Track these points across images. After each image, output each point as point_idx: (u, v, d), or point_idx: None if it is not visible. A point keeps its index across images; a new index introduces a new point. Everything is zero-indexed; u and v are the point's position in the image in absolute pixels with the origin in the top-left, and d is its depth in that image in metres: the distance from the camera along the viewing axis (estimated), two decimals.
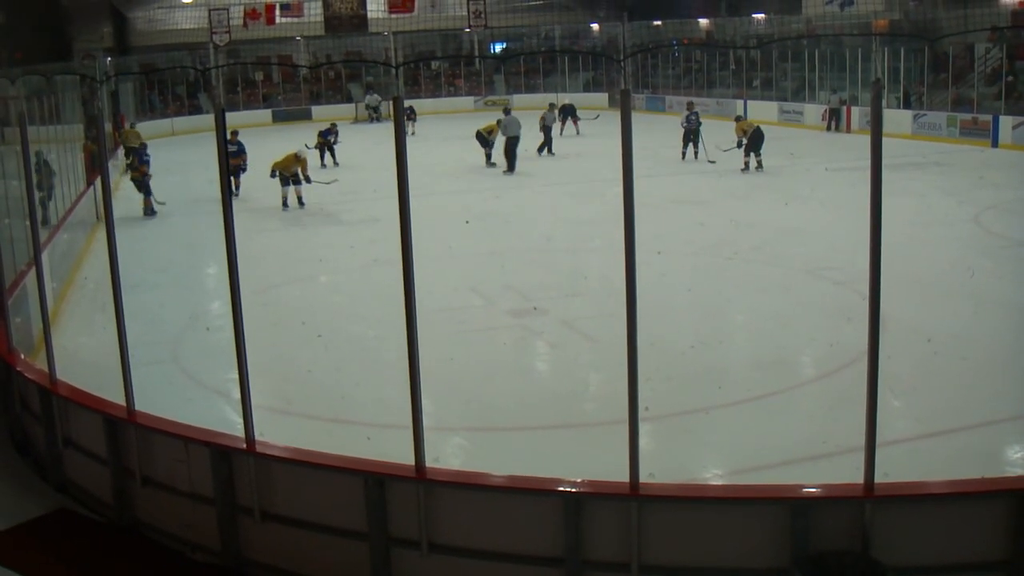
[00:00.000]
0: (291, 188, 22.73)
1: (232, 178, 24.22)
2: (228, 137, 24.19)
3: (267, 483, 7.28)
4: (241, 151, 25.10)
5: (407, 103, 40.27)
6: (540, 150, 30.80)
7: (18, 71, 15.77)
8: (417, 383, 6.56)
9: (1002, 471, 8.17)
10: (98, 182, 22.85)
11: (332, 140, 30.95)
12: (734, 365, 11.35)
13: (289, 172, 22.66)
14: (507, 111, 29.88)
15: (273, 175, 22.91)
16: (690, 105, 30.49)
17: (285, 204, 22.76)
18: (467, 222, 19.53)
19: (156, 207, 23.12)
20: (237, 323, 7.16)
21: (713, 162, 26.97)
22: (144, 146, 26.57)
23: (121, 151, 30.77)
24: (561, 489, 6.51)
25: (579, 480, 6.63)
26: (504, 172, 27.34)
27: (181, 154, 34.01)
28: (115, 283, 8.00)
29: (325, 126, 31.97)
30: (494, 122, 29.09)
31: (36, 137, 13.69)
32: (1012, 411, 9.42)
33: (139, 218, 22.23)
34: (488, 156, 28.89)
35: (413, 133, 34.97)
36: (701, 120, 28.57)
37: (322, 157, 30.31)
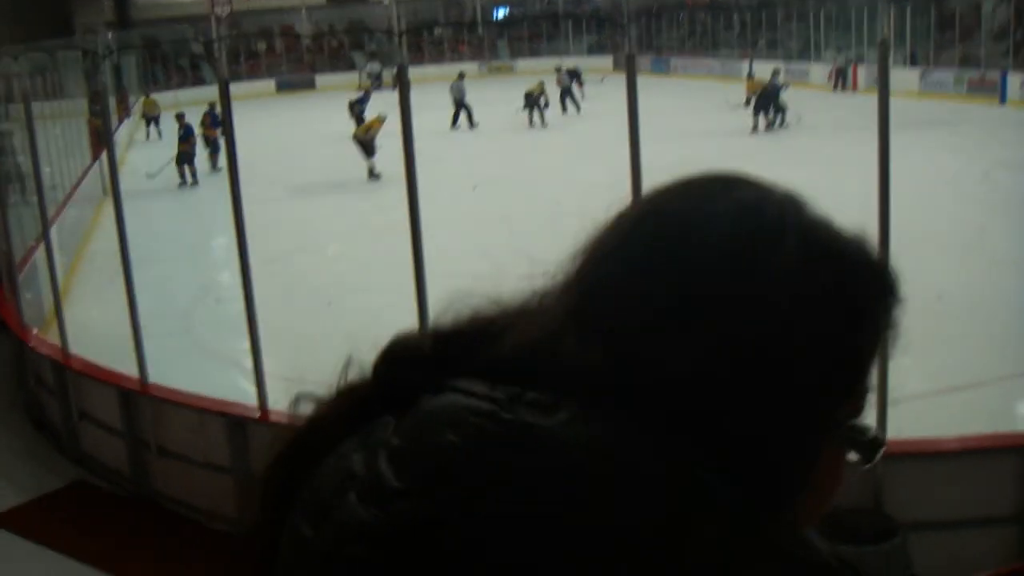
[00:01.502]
0: (375, 158, 22.10)
1: (186, 166, 23.64)
2: (177, 121, 24.25)
3: None
4: (189, 134, 24.00)
5: (377, 65, 40.18)
6: (564, 110, 30.92)
7: (21, 48, 15.73)
8: None
9: (1012, 427, 8.20)
10: (103, 156, 22.87)
11: (363, 109, 30.53)
12: None
13: (372, 137, 22.10)
14: (558, 69, 32.27)
15: (365, 145, 22.35)
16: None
17: (372, 174, 22.17)
18: (475, 188, 19.43)
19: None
20: (248, 293, 7.20)
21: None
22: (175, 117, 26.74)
23: (124, 124, 30.91)
24: None
25: None
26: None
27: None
28: (124, 256, 8.04)
29: (355, 95, 31.49)
30: (539, 83, 30.15)
31: (40, 113, 13.66)
32: (1022, 367, 9.44)
33: (146, 192, 22.16)
34: (543, 117, 29.93)
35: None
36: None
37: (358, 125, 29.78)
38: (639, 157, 5.91)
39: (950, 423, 8.08)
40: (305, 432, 0.87)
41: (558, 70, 34.31)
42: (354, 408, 0.85)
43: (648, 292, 0.80)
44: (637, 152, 5.87)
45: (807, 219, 0.86)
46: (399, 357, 0.87)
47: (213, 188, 20.66)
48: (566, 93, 31.56)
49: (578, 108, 30.83)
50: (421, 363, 0.85)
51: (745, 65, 38.16)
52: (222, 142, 23.71)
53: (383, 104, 31.55)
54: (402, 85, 6.46)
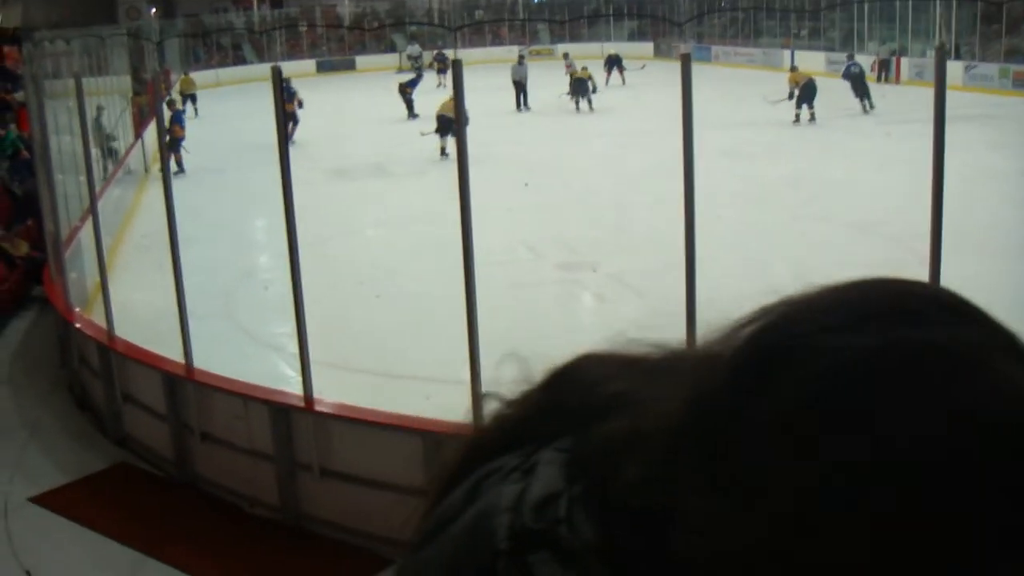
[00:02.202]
0: (449, 137, 21.57)
1: (172, 153, 23.23)
2: (168, 107, 24.06)
3: (326, 440, 7.38)
4: (178, 120, 23.35)
5: (441, 52, 40.15)
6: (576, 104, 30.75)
7: (74, 31, 15.85)
8: (476, 344, 6.61)
9: None
10: (146, 135, 23.02)
11: (413, 91, 30.44)
12: None
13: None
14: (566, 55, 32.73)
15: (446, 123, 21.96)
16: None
17: (444, 152, 22.10)
18: (527, 184, 19.01)
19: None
20: (296, 282, 7.23)
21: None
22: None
23: (165, 102, 31.12)
24: None
25: None
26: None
27: (227, 105, 34.08)
28: (172, 239, 8.09)
29: (404, 77, 31.77)
30: (583, 68, 30.65)
31: (86, 89, 13.67)
32: None
33: (187, 172, 22.27)
34: (590, 103, 30.02)
35: (441, 85, 34.49)
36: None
37: (409, 108, 29.71)
38: (692, 160, 5.88)
39: None
40: (477, 441, 0.83)
41: (566, 56, 34.18)
42: (519, 424, 0.82)
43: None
44: (690, 156, 5.83)
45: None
46: (579, 381, 0.83)
47: (258, 168, 20.72)
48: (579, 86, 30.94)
49: (590, 105, 30.44)
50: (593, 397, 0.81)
51: (787, 55, 37.92)
52: (300, 115, 25.16)
53: (425, 87, 31.70)
54: (456, 78, 6.44)
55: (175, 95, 32.80)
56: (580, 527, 0.68)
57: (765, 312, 0.74)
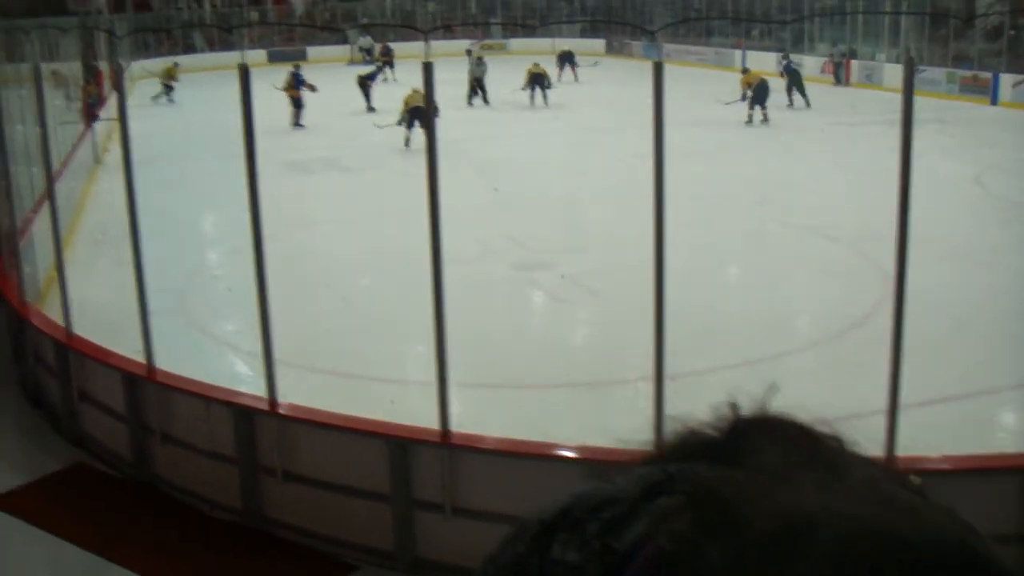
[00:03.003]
0: (415, 128, 21.99)
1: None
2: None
3: (289, 444, 7.34)
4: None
5: (386, 45, 39.98)
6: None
7: (34, 22, 15.60)
8: (444, 349, 6.60)
9: (1000, 439, 8.25)
10: (96, 125, 22.75)
11: (372, 84, 30.73)
12: (731, 327, 11.23)
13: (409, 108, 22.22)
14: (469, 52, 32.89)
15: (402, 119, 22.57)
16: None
17: (408, 143, 22.30)
18: (496, 189, 18.58)
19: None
20: (261, 282, 7.19)
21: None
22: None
23: (115, 97, 30.83)
24: (585, 457, 6.57)
25: (602, 447, 6.69)
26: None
27: (179, 94, 33.78)
28: (135, 236, 8.00)
29: (364, 69, 32.27)
30: (534, 64, 30.93)
31: (29, 73, 13.38)
32: (1014, 379, 9.44)
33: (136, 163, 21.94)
34: (545, 97, 30.33)
35: (387, 79, 34.54)
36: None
37: (368, 101, 30.08)
38: (662, 167, 5.91)
39: (942, 435, 8.13)
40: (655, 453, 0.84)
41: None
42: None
43: None
44: (661, 163, 5.86)
45: None
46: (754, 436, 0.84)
47: (212, 159, 20.52)
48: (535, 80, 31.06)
49: (545, 99, 30.47)
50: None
51: (738, 55, 38.15)
52: (304, 100, 26.71)
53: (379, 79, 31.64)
54: (427, 79, 6.42)
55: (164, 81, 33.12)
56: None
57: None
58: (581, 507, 0.75)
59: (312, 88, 27.40)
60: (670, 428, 0.83)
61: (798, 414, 0.84)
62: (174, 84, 34.05)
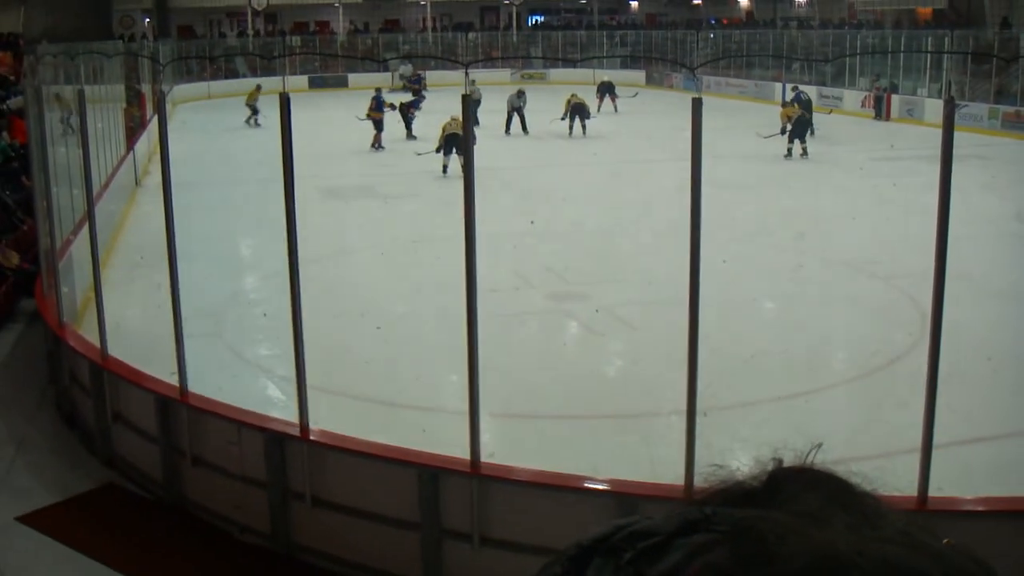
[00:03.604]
0: (453, 155, 22.22)
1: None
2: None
3: (320, 470, 7.33)
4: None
5: (417, 74, 40.10)
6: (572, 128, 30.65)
7: (77, 46, 15.79)
8: (476, 381, 6.58)
9: None
10: (137, 147, 22.99)
11: (415, 113, 30.32)
12: (766, 361, 11.14)
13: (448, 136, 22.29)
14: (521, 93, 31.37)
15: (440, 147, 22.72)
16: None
17: (445, 170, 22.55)
18: (532, 222, 18.04)
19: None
20: (296, 309, 7.20)
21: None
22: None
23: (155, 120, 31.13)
24: (616, 490, 6.53)
25: (632, 481, 6.65)
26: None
27: (218, 118, 34.05)
28: (172, 260, 8.04)
29: (406, 97, 31.92)
30: (572, 94, 30.76)
31: (75, 95, 13.50)
32: None
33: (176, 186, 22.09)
34: (584, 128, 30.11)
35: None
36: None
37: (408, 129, 29.67)
38: (699, 202, 5.89)
39: (976, 475, 8.03)
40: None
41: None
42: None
43: None
44: (698, 197, 5.84)
45: None
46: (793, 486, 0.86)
47: (246, 184, 20.65)
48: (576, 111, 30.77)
49: (583, 130, 30.27)
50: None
51: (779, 88, 38.00)
52: (385, 123, 27.29)
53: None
54: (465, 112, 6.43)
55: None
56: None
57: None
58: (619, 536, 0.80)
59: (392, 107, 28.10)
60: (711, 475, 0.87)
61: (837, 469, 0.88)
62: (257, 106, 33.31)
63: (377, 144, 27.46)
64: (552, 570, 0.81)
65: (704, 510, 0.80)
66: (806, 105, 28.74)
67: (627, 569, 0.77)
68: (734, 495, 0.84)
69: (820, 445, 0.92)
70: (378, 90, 29.02)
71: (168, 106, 31.59)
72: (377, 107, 27.94)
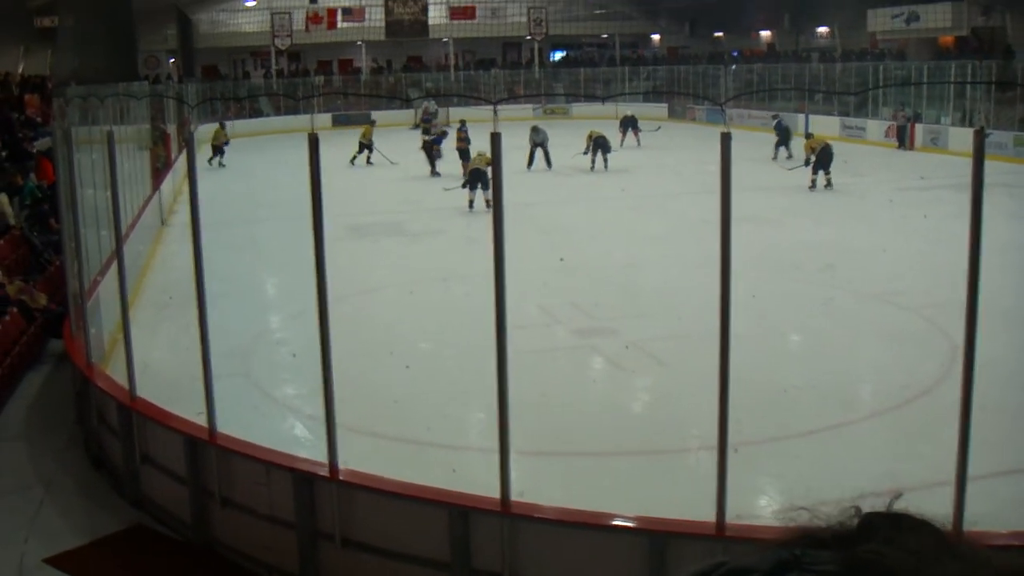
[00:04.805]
0: (479, 191, 22.30)
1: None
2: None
3: (349, 510, 7.29)
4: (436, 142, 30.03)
5: (433, 104, 40.24)
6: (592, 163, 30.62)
7: (105, 88, 15.93)
8: (506, 419, 6.54)
9: None
10: (163, 187, 23.17)
11: (439, 148, 30.32)
12: (796, 395, 11.08)
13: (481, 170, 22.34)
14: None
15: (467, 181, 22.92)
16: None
17: (472, 205, 22.73)
18: (561, 259, 18.07)
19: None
20: (325, 348, 7.18)
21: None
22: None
23: (183, 156, 31.31)
24: (647, 527, 6.46)
25: (662, 518, 6.58)
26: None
27: (240, 158, 34.17)
28: (200, 302, 8.05)
29: (428, 135, 31.72)
30: (591, 130, 30.81)
31: (101, 136, 13.56)
32: None
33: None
34: (606, 162, 30.27)
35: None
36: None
37: (432, 166, 29.69)
38: (729, 236, 5.85)
39: (1009, 509, 7.91)
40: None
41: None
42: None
43: None
44: (728, 231, 5.80)
45: None
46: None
47: (278, 222, 20.74)
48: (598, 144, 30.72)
49: (606, 164, 30.27)
50: None
51: (801, 119, 37.94)
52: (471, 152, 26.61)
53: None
54: (495, 150, 6.43)
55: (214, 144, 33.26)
56: None
57: None
58: (717, 572, 0.86)
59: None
60: (798, 517, 0.93)
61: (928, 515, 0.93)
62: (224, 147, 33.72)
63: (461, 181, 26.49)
64: None
65: (793, 551, 0.85)
66: (784, 132, 31.16)
67: None
68: (820, 538, 0.88)
69: (900, 495, 0.97)
70: (463, 122, 29.23)
71: (211, 145, 31.96)
72: (465, 138, 28.16)
